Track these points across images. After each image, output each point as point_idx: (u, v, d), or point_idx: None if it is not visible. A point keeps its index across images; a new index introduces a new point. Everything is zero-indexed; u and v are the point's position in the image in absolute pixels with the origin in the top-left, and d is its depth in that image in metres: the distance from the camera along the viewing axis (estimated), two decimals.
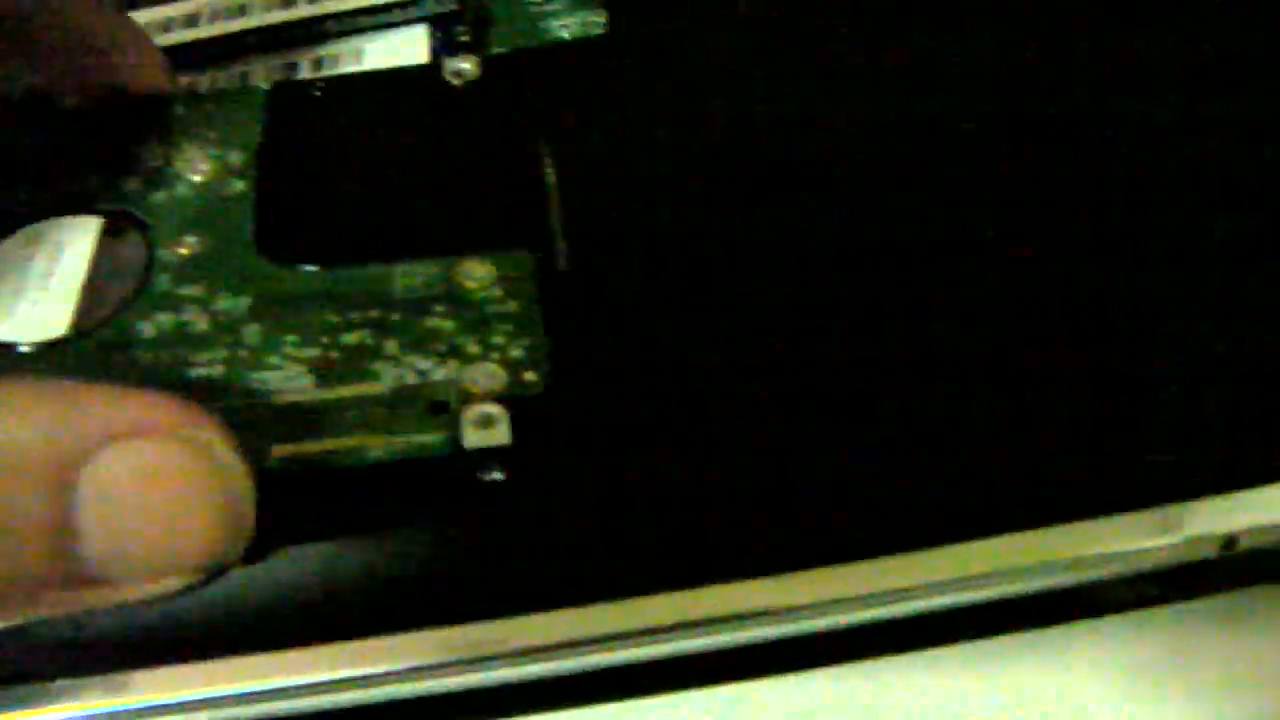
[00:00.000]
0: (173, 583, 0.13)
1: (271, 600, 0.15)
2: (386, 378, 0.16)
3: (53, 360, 0.16)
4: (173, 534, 0.13)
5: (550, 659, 0.14)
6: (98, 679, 0.14)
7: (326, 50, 0.21)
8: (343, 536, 0.15)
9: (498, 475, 0.15)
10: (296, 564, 0.15)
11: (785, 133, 0.18)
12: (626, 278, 0.17)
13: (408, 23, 0.21)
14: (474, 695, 0.15)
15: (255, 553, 0.14)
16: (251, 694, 0.14)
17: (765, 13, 0.20)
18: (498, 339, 0.16)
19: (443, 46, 0.20)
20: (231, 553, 0.14)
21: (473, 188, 0.18)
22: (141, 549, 0.13)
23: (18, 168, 0.19)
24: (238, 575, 0.14)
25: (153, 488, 0.13)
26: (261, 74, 0.21)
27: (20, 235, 0.18)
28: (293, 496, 0.15)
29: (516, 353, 0.16)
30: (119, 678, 0.14)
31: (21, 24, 0.18)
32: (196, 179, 0.18)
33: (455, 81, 0.19)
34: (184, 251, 0.17)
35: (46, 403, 0.13)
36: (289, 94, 0.19)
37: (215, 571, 0.14)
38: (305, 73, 0.21)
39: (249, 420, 0.15)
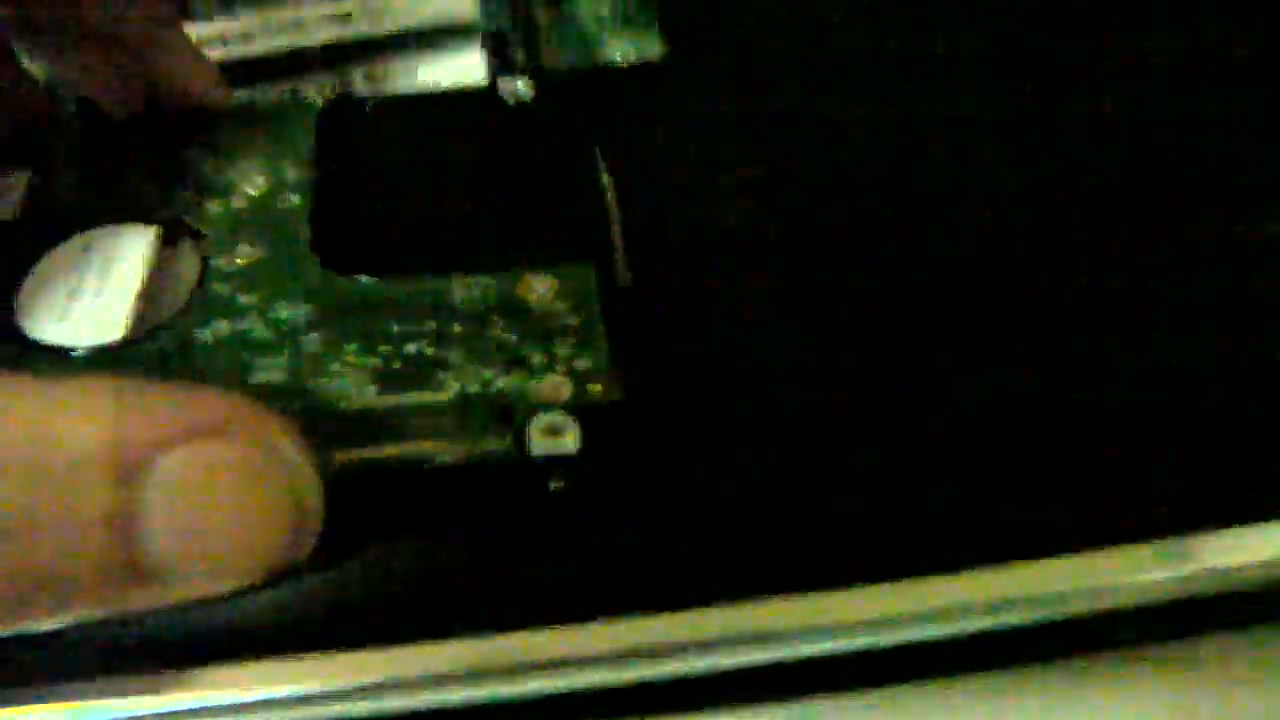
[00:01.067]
0: (233, 584, 0.13)
1: (330, 603, 0.15)
2: (450, 386, 0.15)
3: (107, 364, 0.16)
4: (239, 534, 0.13)
5: (606, 668, 0.14)
6: (145, 677, 0.14)
7: (381, 67, 0.21)
8: (404, 539, 0.15)
9: (562, 484, 0.15)
10: (357, 567, 0.15)
11: (843, 149, 0.18)
12: (688, 291, 0.17)
13: (463, 42, 0.21)
14: (529, 706, 0.15)
15: (318, 557, 0.14)
16: (301, 698, 0.14)
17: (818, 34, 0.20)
18: (562, 351, 0.16)
19: (500, 68, 0.20)
20: (296, 555, 0.14)
21: (531, 203, 0.18)
22: (206, 548, 0.13)
23: (72, 176, 0.19)
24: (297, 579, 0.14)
25: (220, 487, 0.13)
26: (314, 90, 0.21)
27: (76, 240, 0.18)
28: (354, 500, 0.14)
29: (582, 364, 0.16)
30: (166, 676, 0.14)
31: (78, 33, 0.18)
32: (251, 192, 0.18)
33: (511, 101, 0.19)
34: (240, 261, 0.17)
35: (114, 399, 0.13)
36: (344, 109, 0.19)
37: (279, 575, 0.13)
38: (359, 88, 0.21)
39: (311, 425, 0.15)
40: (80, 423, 0.12)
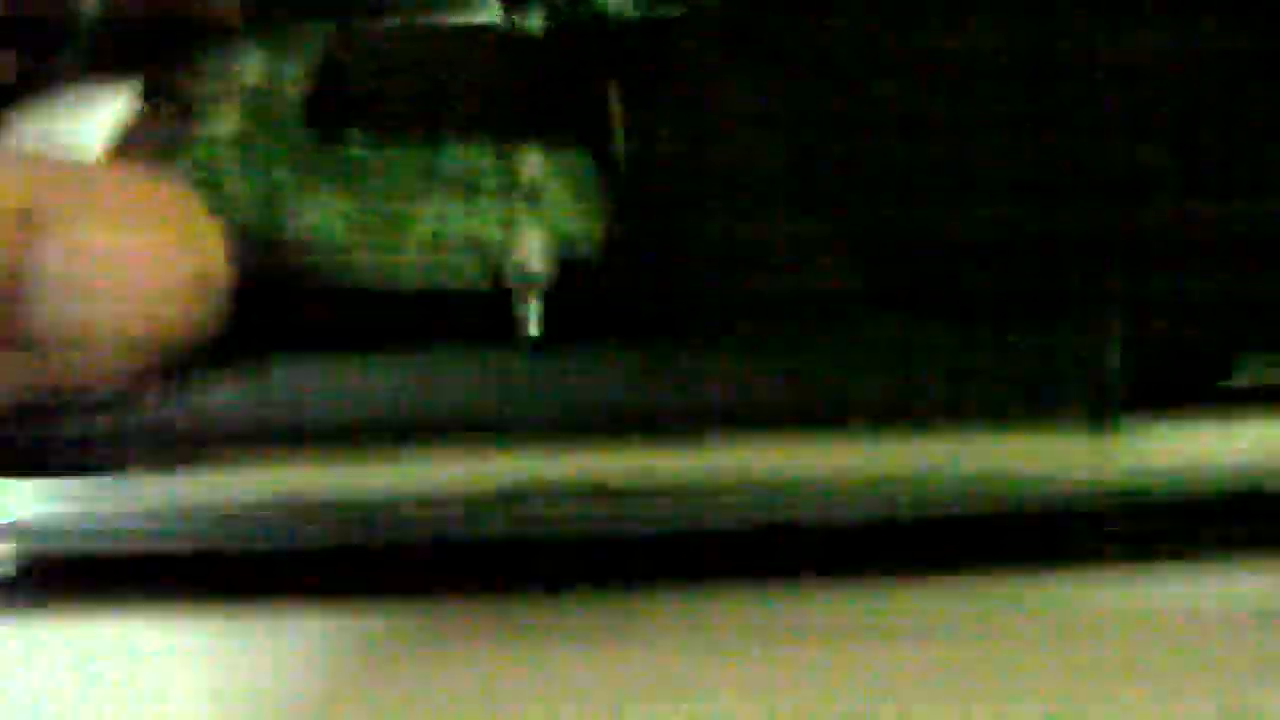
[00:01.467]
0: (123, 349, 0.13)
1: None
2: (429, 221, 0.15)
3: None
4: (137, 294, 0.13)
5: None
6: None
7: None
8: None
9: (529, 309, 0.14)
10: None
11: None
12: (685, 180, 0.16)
13: None
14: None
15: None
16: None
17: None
18: (548, 213, 0.15)
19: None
20: (189, 332, 0.13)
21: (535, 102, 0.17)
22: (101, 307, 0.13)
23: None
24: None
25: (125, 244, 0.13)
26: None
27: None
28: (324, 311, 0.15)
29: (569, 226, 0.15)
30: None
31: None
32: (250, 81, 0.17)
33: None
34: (229, 127, 0.17)
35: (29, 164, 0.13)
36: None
37: (170, 353, 0.13)
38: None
39: (280, 250, 0.15)
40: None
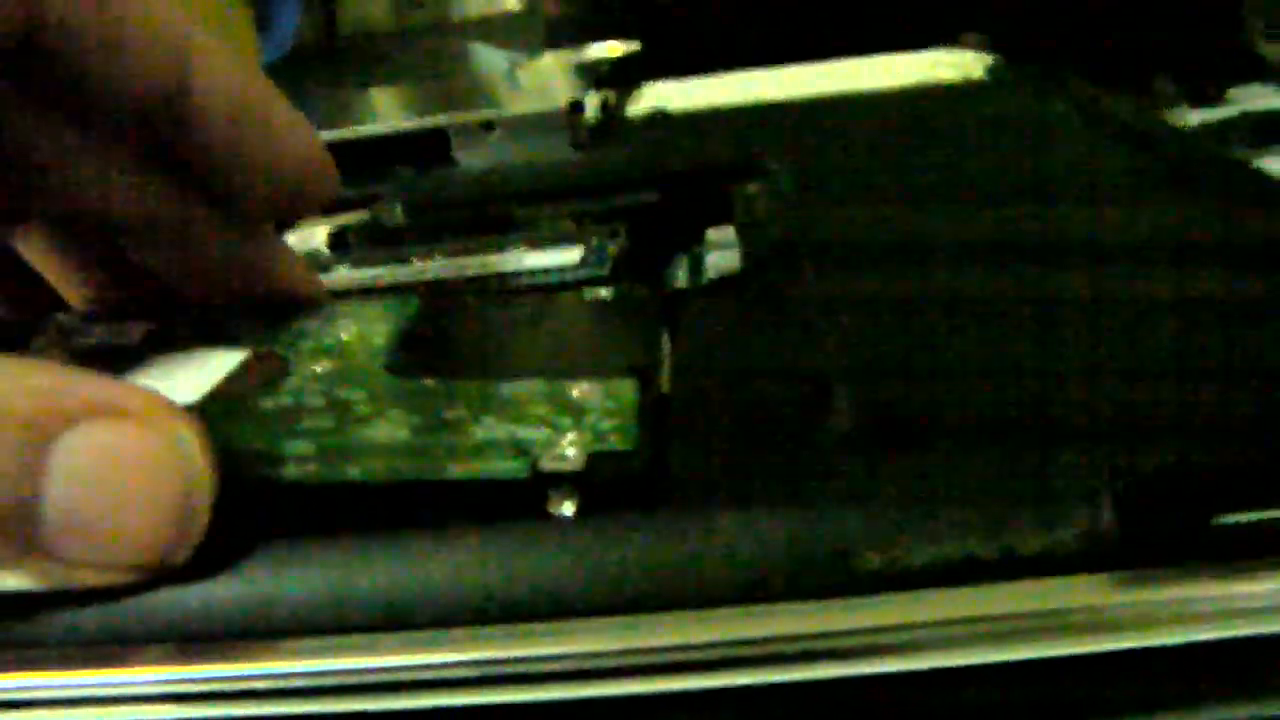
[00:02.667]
0: (114, 575, 0.14)
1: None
2: (478, 433, 0.16)
3: None
4: (126, 517, 0.14)
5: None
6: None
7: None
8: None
9: (567, 507, 0.15)
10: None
11: None
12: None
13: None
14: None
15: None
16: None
17: None
18: (590, 418, 0.16)
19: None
20: (177, 553, 0.14)
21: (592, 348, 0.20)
22: (94, 526, 0.14)
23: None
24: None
25: (120, 468, 0.14)
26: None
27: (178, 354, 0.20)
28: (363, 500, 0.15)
29: (606, 425, 0.16)
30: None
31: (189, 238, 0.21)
32: (344, 336, 0.20)
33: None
34: (317, 369, 0.19)
35: (35, 373, 0.14)
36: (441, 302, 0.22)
37: (159, 572, 0.14)
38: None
39: (338, 446, 0.16)
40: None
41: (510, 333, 0.21)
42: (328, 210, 0.32)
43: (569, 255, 0.25)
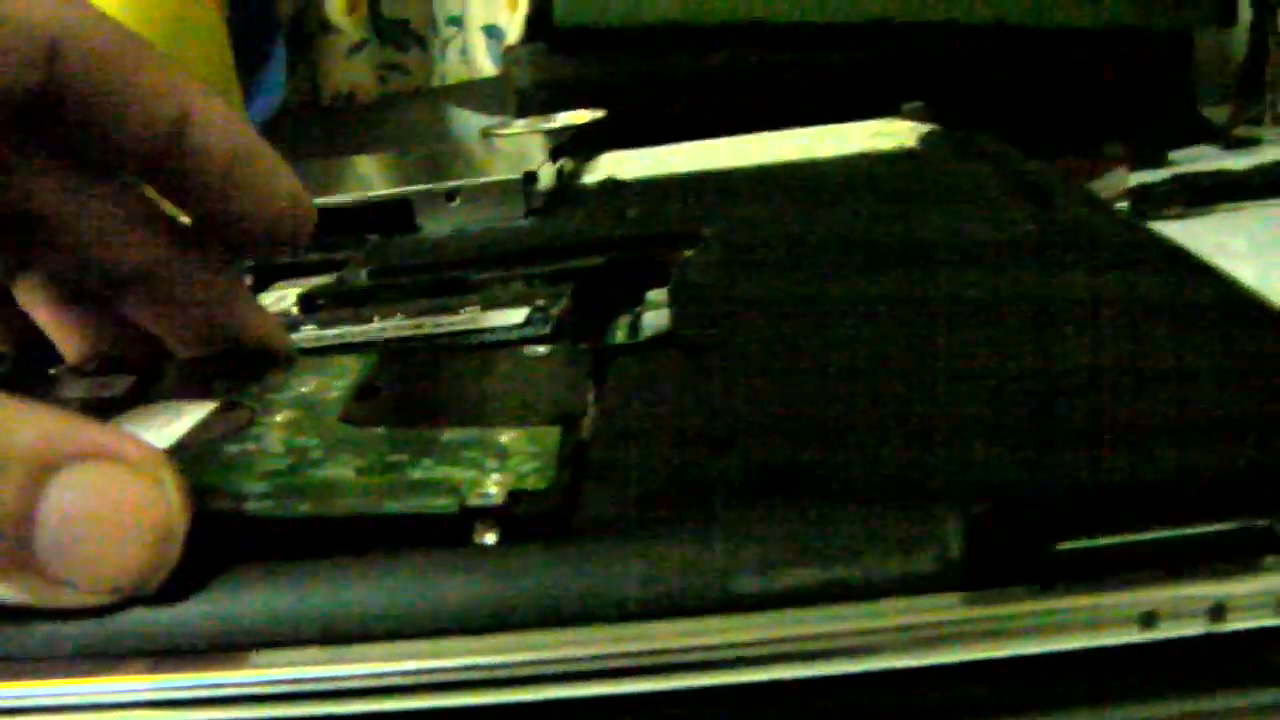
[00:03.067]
0: (95, 597, 0.16)
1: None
2: (415, 474, 0.18)
3: None
4: (111, 547, 0.16)
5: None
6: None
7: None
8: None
9: (489, 537, 0.17)
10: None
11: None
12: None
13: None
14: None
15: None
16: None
17: None
18: (514, 460, 0.18)
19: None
20: (153, 578, 0.16)
21: (524, 399, 0.22)
22: (82, 553, 0.16)
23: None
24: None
25: (109, 504, 0.16)
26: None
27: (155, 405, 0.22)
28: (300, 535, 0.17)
29: (527, 467, 0.18)
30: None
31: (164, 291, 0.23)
32: (304, 390, 0.22)
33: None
34: (279, 418, 0.21)
35: (43, 415, 0.16)
36: (400, 356, 0.24)
37: (135, 594, 0.16)
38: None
39: (291, 486, 0.18)
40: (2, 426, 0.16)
41: (454, 386, 0.23)
42: (298, 274, 0.34)
43: (515, 316, 0.27)
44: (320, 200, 0.35)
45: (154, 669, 0.16)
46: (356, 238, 0.36)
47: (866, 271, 0.27)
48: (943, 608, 0.16)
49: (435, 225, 0.36)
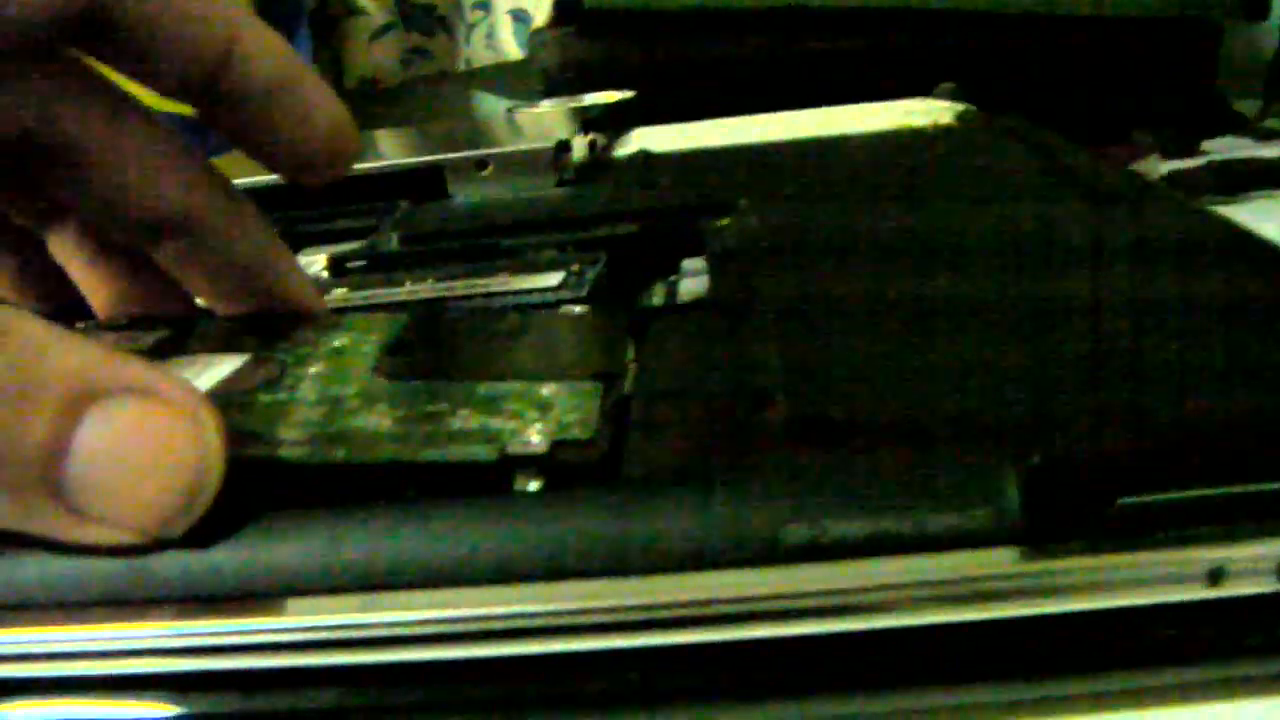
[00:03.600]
0: (122, 535, 0.16)
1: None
2: (454, 423, 0.18)
3: None
4: (141, 484, 0.15)
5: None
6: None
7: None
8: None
9: (532, 485, 0.17)
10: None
11: None
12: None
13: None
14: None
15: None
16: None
17: None
18: (556, 412, 0.18)
19: None
20: (180, 522, 0.16)
21: (564, 357, 0.22)
22: (111, 488, 0.15)
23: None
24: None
25: (144, 442, 0.16)
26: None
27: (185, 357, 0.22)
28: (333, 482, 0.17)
29: (570, 418, 0.18)
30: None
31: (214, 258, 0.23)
32: (338, 344, 0.22)
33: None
34: (312, 370, 0.20)
35: (82, 346, 0.16)
36: (433, 315, 0.24)
37: (162, 537, 0.16)
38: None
39: (327, 434, 0.18)
40: (42, 355, 0.15)
41: (491, 344, 0.23)
42: (329, 240, 0.34)
43: (550, 279, 0.27)
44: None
45: (182, 615, 0.16)
46: (388, 205, 0.35)
47: (906, 241, 0.27)
48: (998, 562, 0.15)
49: (466, 194, 0.35)
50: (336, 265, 0.30)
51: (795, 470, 0.16)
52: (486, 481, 0.17)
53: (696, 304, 0.26)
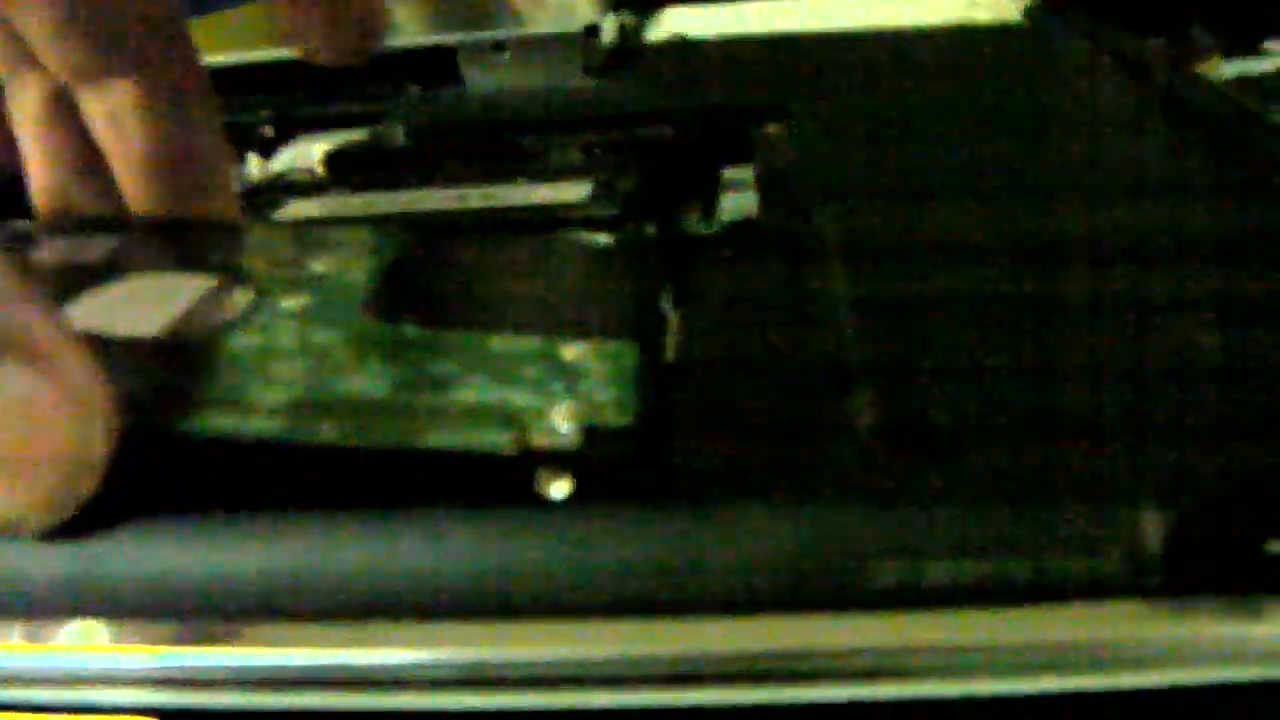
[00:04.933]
0: None
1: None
2: (463, 394, 0.15)
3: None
4: (13, 465, 0.13)
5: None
6: None
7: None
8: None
9: (559, 488, 0.14)
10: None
11: None
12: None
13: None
14: None
15: None
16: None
17: None
18: (584, 387, 0.15)
19: None
20: (61, 506, 0.13)
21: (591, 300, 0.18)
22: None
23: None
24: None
25: (16, 413, 0.13)
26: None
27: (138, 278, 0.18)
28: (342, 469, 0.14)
29: (602, 396, 0.15)
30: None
31: None
32: (321, 269, 0.18)
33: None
34: (291, 304, 0.17)
35: None
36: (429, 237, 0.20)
37: (40, 522, 0.13)
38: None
39: (313, 404, 0.15)
40: None
41: (503, 276, 0.19)
42: (325, 126, 0.30)
43: (577, 191, 0.23)
44: None
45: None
46: (393, 88, 0.32)
47: (997, 172, 0.23)
48: (1131, 616, 0.12)
49: (482, 80, 0.31)
50: (334, 162, 0.27)
51: (888, 492, 0.13)
52: (502, 475, 0.14)
53: (742, 228, 0.22)
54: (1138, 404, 0.15)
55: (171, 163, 0.20)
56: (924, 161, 0.24)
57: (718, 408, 0.15)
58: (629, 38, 0.35)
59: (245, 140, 0.30)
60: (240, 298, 0.17)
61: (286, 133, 0.30)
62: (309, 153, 0.28)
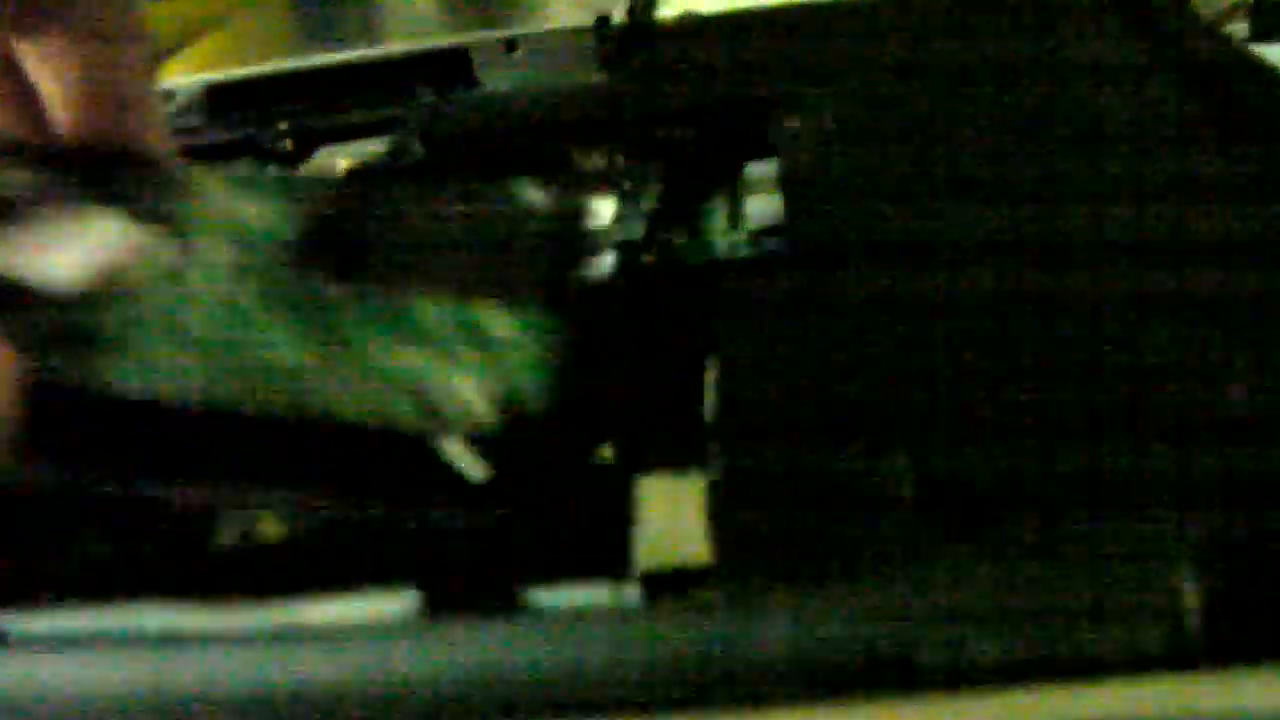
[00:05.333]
0: None
1: None
2: (382, 361, 0.15)
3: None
4: None
5: None
6: None
7: None
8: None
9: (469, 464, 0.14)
10: None
11: None
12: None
13: None
14: None
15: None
16: None
17: None
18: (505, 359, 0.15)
19: None
20: None
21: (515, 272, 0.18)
22: None
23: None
24: None
25: None
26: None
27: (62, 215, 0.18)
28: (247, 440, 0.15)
29: (519, 365, 0.15)
30: None
31: None
32: (247, 218, 0.18)
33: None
34: (214, 257, 0.17)
35: None
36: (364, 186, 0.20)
37: None
38: None
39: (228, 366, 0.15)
40: None
41: (431, 235, 0.19)
42: (345, 137, 0.30)
43: (602, 208, 0.23)
44: (363, 54, 0.30)
45: None
46: (407, 92, 0.31)
47: (1042, 173, 0.22)
48: (1177, 693, 0.13)
49: (495, 80, 0.31)
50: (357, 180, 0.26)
51: (931, 567, 0.13)
52: (412, 450, 0.14)
53: (771, 236, 0.22)
54: (1183, 463, 0.14)
55: (102, 96, 0.20)
56: (943, 153, 0.23)
57: (744, 466, 0.15)
58: (639, 17, 0.35)
59: (266, 155, 0.30)
60: (158, 246, 0.17)
61: (307, 145, 0.30)
62: (335, 165, 0.28)
